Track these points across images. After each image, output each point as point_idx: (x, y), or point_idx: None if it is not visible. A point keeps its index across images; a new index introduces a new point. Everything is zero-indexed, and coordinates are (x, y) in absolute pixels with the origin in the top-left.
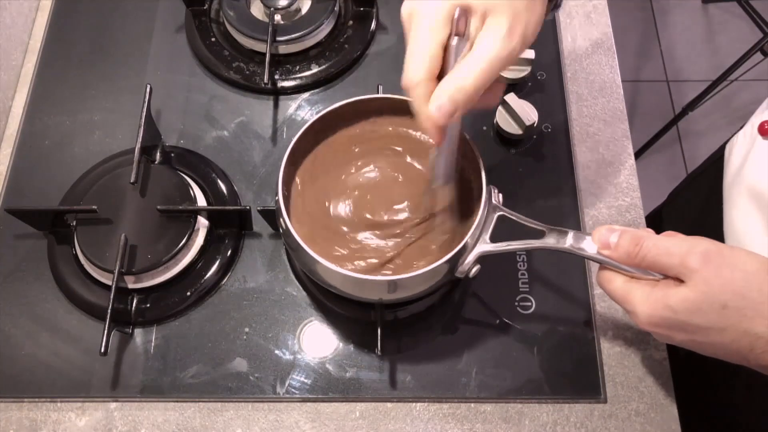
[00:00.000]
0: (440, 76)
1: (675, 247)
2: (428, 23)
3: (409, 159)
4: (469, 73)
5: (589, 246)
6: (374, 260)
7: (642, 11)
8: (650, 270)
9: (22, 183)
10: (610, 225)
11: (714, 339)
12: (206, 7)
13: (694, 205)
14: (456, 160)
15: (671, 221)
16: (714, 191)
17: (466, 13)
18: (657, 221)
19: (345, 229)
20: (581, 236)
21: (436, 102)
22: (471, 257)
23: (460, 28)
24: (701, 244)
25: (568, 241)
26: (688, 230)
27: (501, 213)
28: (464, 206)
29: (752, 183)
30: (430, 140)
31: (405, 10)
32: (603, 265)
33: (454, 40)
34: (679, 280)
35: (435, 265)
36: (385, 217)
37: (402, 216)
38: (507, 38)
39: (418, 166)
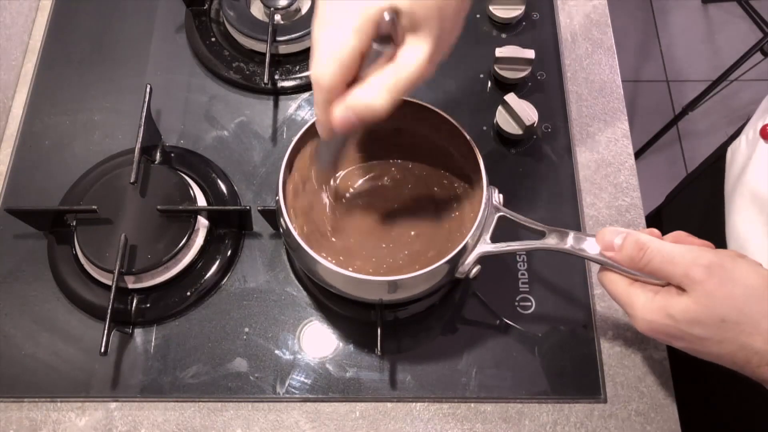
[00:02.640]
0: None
1: (679, 256)
2: (354, 23)
3: (410, 159)
4: (384, 93)
5: (589, 247)
6: (374, 260)
7: (642, 11)
8: (652, 276)
9: (22, 183)
10: (615, 227)
11: (711, 349)
12: (206, 7)
13: (693, 207)
14: (338, 154)
15: (671, 223)
16: (714, 194)
17: (394, 19)
18: (656, 222)
19: (346, 229)
20: (582, 237)
21: (342, 114)
22: (471, 258)
23: (383, 33)
24: (705, 255)
25: (569, 242)
26: (690, 233)
27: (501, 214)
28: (464, 206)
29: (754, 187)
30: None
31: None
32: (604, 266)
33: (375, 46)
34: (681, 289)
35: (435, 266)
36: (386, 217)
37: (402, 216)
38: (426, 63)
39: (420, 166)
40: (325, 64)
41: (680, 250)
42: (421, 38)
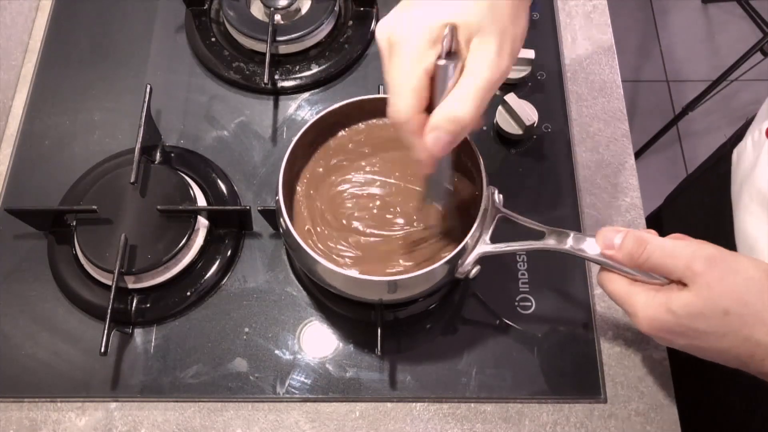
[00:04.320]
0: (430, 103)
1: (680, 250)
2: (411, 51)
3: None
4: (464, 102)
5: (589, 247)
6: (375, 260)
7: (642, 11)
8: (653, 272)
9: (22, 183)
10: (615, 226)
11: (714, 344)
12: (206, 7)
13: (696, 209)
14: (450, 177)
15: (672, 225)
16: (718, 195)
17: (453, 31)
18: (657, 224)
19: (346, 229)
20: (582, 237)
21: (433, 135)
22: (471, 258)
23: (447, 49)
24: (706, 248)
25: (569, 242)
26: (693, 235)
27: (501, 214)
28: (464, 207)
29: (762, 187)
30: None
31: (382, 34)
32: (605, 267)
33: (442, 62)
34: (682, 285)
35: (435, 266)
36: (387, 218)
37: (403, 217)
38: (497, 60)
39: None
40: (398, 99)
41: (680, 245)
42: (483, 39)
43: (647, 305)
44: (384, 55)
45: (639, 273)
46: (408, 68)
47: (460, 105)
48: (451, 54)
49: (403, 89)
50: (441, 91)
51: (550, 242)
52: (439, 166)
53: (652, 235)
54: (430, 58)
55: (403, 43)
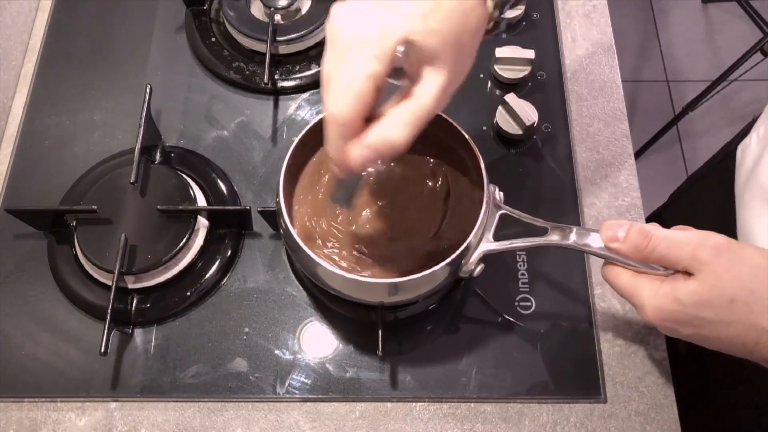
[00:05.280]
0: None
1: (685, 240)
2: (364, 56)
3: (410, 159)
4: (401, 128)
5: (593, 241)
6: (375, 262)
7: (642, 11)
8: (658, 264)
9: (22, 183)
10: (618, 220)
11: (720, 333)
12: (206, 7)
13: (699, 207)
14: (357, 183)
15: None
16: (722, 194)
17: (408, 50)
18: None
19: (346, 230)
20: (585, 232)
21: (363, 152)
22: (475, 257)
23: (397, 66)
24: (712, 237)
25: (572, 237)
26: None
27: (503, 212)
28: (465, 206)
29: (765, 183)
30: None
31: (338, 24)
32: (608, 261)
33: (393, 81)
34: (688, 274)
35: (437, 268)
36: (388, 219)
37: (405, 217)
38: (443, 95)
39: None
40: (341, 98)
41: (686, 235)
42: (437, 70)
43: (653, 296)
44: (331, 43)
45: (644, 265)
46: (356, 72)
47: (397, 130)
48: (399, 71)
49: (348, 91)
50: (379, 104)
51: (553, 238)
52: (349, 177)
53: (655, 227)
54: (380, 70)
55: (357, 45)
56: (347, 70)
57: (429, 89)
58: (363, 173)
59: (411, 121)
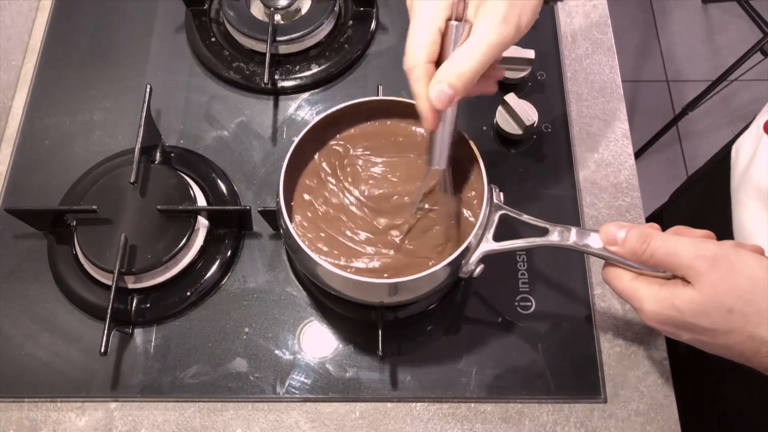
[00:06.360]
0: (439, 61)
1: (683, 248)
2: (428, 10)
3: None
4: (466, 60)
5: (593, 242)
6: (376, 262)
7: (642, 11)
8: (657, 267)
9: (22, 183)
10: (618, 221)
11: (720, 341)
12: (206, 7)
13: (697, 206)
14: (452, 144)
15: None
16: (722, 194)
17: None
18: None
19: (346, 231)
20: (585, 233)
21: (436, 87)
22: (475, 257)
23: (458, 13)
24: (709, 247)
25: (572, 237)
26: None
27: (503, 212)
28: (466, 206)
29: (759, 182)
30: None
31: None
32: (608, 262)
33: (453, 25)
34: (687, 281)
35: (437, 268)
36: (389, 219)
37: (405, 217)
38: (501, 25)
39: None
40: (408, 46)
41: (683, 242)
42: (492, 5)
43: (653, 300)
44: (409, 12)
45: (643, 267)
46: (423, 25)
47: (462, 63)
48: (463, 18)
49: (416, 41)
50: (449, 49)
51: (553, 238)
52: (442, 128)
53: (654, 230)
54: (442, 18)
55: (422, 4)
56: (415, 26)
57: (485, 23)
58: (450, 130)
59: (472, 53)
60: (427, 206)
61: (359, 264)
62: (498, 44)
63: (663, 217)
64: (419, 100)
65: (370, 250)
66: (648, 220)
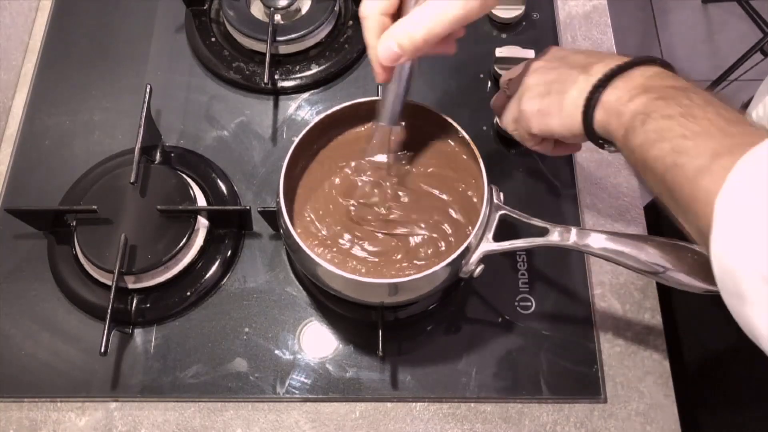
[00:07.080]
0: (401, 12)
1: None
2: None
3: (410, 159)
4: (421, 23)
5: (593, 241)
6: (376, 263)
7: (642, 11)
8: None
9: (22, 183)
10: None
11: (548, 78)
12: (206, 7)
13: None
14: (403, 103)
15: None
16: None
17: None
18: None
19: (346, 231)
20: (585, 232)
21: (384, 43)
22: (475, 257)
23: None
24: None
25: (572, 237)
26: None
27: (503, 212)
28: (465, 207)
29: None
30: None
31: None
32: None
33: None
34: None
35: (438, 268)
36: (388, 220)
37: (405, 218)
38: None
39: (420, 166)
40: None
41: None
42: None
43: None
44: None
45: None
46: None
47: (417, 27)
48: None
49: None
50: (409, 7)
51: (553, 238)
52: (396, 85)
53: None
54: None
55: None
56: None
57: None
58: (402, 89)
59: (430, 17)
60: (424, 227)
61: (359, 264)
62: (460, 18)
63: (663, 217)
64: (369, 50)
65: (371, 249)
66: (648, 220)
